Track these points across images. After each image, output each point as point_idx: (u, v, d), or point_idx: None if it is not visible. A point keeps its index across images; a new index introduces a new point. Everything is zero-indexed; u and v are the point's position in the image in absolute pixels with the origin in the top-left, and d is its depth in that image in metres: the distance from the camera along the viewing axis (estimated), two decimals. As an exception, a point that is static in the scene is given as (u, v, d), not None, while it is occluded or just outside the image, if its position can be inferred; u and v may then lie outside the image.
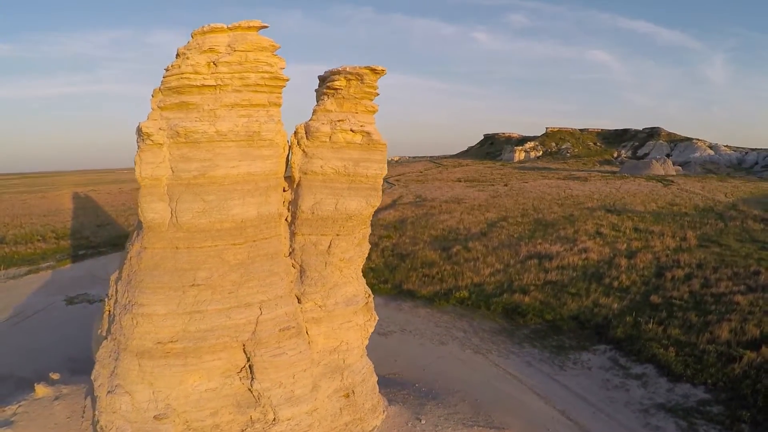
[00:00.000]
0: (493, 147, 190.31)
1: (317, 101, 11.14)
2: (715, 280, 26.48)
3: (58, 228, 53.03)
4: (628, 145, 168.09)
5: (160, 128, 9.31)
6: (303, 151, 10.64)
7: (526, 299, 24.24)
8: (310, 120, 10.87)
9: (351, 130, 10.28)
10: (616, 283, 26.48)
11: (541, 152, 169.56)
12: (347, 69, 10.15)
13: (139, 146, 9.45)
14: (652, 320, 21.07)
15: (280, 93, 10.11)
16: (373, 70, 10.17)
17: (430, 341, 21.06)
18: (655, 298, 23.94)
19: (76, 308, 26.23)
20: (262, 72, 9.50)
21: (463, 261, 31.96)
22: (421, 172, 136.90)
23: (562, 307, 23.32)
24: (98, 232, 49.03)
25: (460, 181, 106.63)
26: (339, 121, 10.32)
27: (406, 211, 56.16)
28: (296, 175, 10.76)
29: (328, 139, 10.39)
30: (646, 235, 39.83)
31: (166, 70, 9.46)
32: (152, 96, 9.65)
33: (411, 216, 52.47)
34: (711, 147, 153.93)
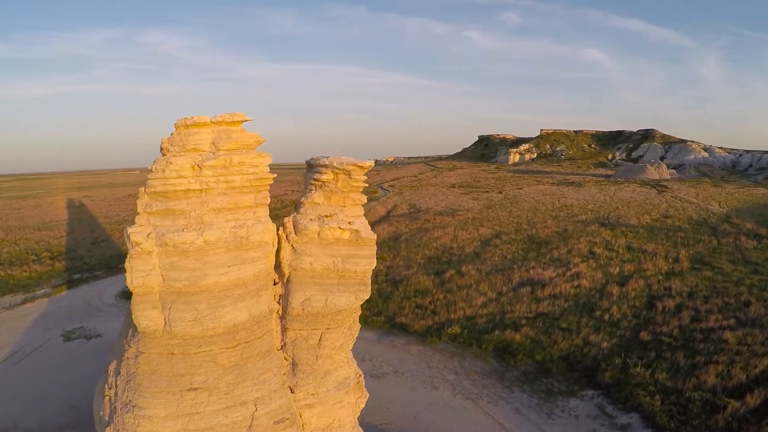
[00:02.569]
0: (487, 149, 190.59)
1: (305, 188, 11.27)
2: (705, 313, 26.78)
3: (53, 245, 53.00)
4: (622, 147, 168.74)
5: (148, 235, 9.41)
6: (292, 246, 10.78)
7: (517, 336, 24.45)
8: (298, 213, 11.00)
9: (339, 228, 10.42)
10: (607, 316, 26.74)
11: (535, 154, 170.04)
12: (334, 163, 10.28)
13: (128, 252, 9.56)
14: (640, 362, 21.32)
15: (267, 191, 10.25)
16: (361, 166, 10.32)
17: (421, 385, 21.25)
18: (644, 335, 24.19)
19: (73, 345, 26.33)
20: (247, 174, 9.63)
21: (456, 288, 32.15)
22: (416, 177, 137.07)
23: (552, 345, 23.55)
24: (93, 251, 49.02)
25: (454, 187, 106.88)
26: (327, 216, 10.45)
27: (401, 226, 56.34)
28: (286, 270, 10.90)
29: (316, 236, 10.53)
30: (639, 255, 40.15)
31: (150, 171, 9.57)
32: (138, 198, 9.77)
33: (405, 232, 52.66)
34: (705, 149, 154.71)
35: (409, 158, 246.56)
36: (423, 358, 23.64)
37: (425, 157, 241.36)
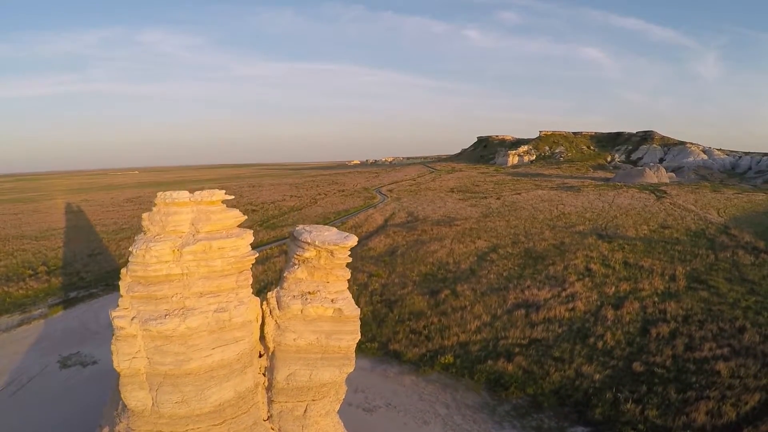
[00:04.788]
0: (486, 150, 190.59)
1: (289, 260, 11.26)
2: (700, 340, 26.78)
3: (50, 257, 53.07)
4: (621, 149, 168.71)
5: (132, 319, 9.42)
6: (276, 322, 10.79)
7: (510, 367, 24.46)
8: (281, 289, 10.99)
9: (322, 306, 10.42)
10: (600, 344, 26.74)
11: (534, 156, 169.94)
12: (316, 242, 10.26)
13: (114, 334, 9.57)
14: (631, 397, 21.33)
15: (249, 271, 10.24)
16: (343, 246, 10.30)
17: (413, 420, 21.26)
18: (637, 366, 24.19)
19: (70, 373, 26.36)
20: (228, 257, 9.62)
21: (450, 311, 32.16)
22: (414, 180, 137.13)
23: (544, 377, 23.54)
24: (89, 265, 49.03)
25: (453, 192, 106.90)
26: (310, 293, 10.46)
27: (398, 238, 56.35)
28: (270, 344, 10.91)
29: (299, 312, 10.53)
30: (636, 272, 40.18)
31: (131, 254, 9.56)
32: (121, 279, 9.75)
33: (402, 244, 52.65)
34: (704, 151, 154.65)
35: (408, 158, 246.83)
36: (415, 390, 23.65)
37: (424, 158, 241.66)
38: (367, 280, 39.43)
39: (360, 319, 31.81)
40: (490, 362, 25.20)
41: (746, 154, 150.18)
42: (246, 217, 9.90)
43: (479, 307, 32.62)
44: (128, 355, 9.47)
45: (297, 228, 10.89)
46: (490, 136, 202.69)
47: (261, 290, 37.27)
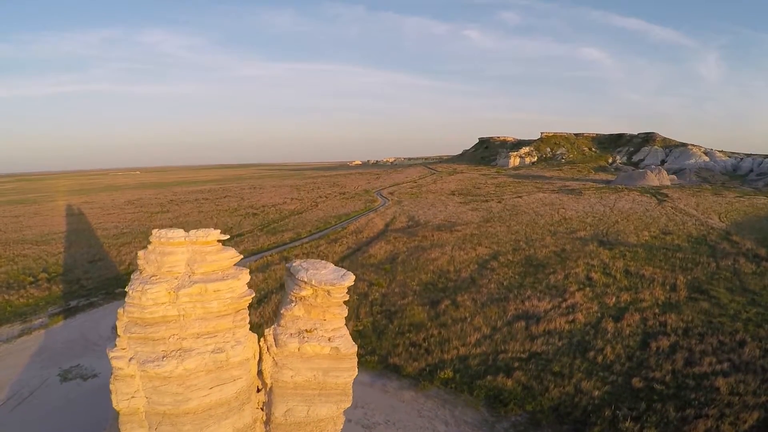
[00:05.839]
0: (488, 151, 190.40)
1: (285, 297, 11.25)
2: (700, 354, 26.74)
3: (50, 263, 53.19)
4: (623, 151, 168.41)
5: (129, 360, 9.42)
6: (273, 359, 10.79)
7: (509, 382, 24.43)
8: (278, 326, 10.99)
9: (319, 344, 10.42)
10: (600, 358, 26.70)
11: (536, 158, 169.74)
12: (313, 281, 10.25)
13: (112, 373, 9.58)
14: (630, 415, 21.30)
15: (246, 310, 10.24)
16: (340, 287, 10.29)
17: (412, 438, 21.27)
18: (636, 381, 24.15)
19: (70, 386, 26.38)
20: (224, 299, 9.62)
21: (450, 322, 32.15)
22: (415, 182, 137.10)
23: (543, 393, 23.51)
24: (90, 272, 49.10)
25: (454, 195, 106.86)
26: (307, 331, 10.45)
27: (398, 244, 56.34)
28: (268, 381, 10.91)
29: (297, 350, 10.53)
30: (637, 281, 40.16)
31: (127, 296, 9.57)
32: (118, 319, 9.76)
33: (403, 251, 52.64)
34: (706, 153, 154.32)
35: (410, 159, 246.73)
36: (414, 406, 23.64)
37: (425, 158, 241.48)
38: (368, 290, 39.43)
39: (360, 331, 31.90)
40: (489, 377, 25.17)
41: (748, 155, 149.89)
42: (242, 256, 9.90)
43: (479, 318, 32.60)
44: (127, 395, 9.48)
45: (293, 264, 10.87)
46: (491, 137, 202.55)
47: (261, 300, 37.34)
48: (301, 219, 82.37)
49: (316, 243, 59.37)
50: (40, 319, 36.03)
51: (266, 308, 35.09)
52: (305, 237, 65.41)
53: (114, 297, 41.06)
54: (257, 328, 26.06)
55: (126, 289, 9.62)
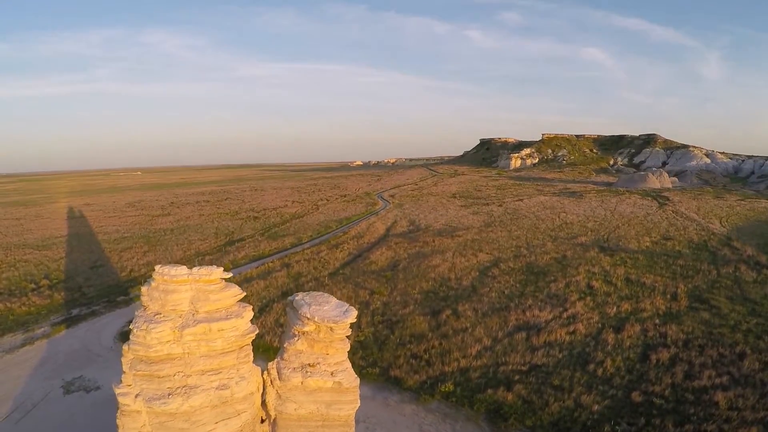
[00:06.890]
0: (489, 152, 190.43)
1: (288, 331, 11.38)
2: (699, 367, 26.82)
3: (52, 269, 53.41)
4: (624, 152, 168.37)
5: (135, 396, 9.56)
6: (276, 392, 10.91)
7: (510, 396, 24.53)
8: (281, 360, 11.11)
9: (322, 379, 10.54)
10: (600, 371, 26.80)
11: (537, 159, 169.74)
12: (316, 318, 10.38)
13: (118, 409, 9.71)
14: (629, 430, 21.41)
15: (249, 346, 10.37)
16: (343, 323, 10.42)
17: (413, 453, 21.39)
18: (636, 396, 24.24)
19: (73, 399, 26.50)
20: (228, 337, 9.74)
21: (451, 333, 32.27)
22: (416, 184, 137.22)
23: (543, 408, 23.60)
24: (91, 278, 49.29)
25: (455, 198, 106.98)
26: (310, 366, 10.58)
27: (399, 250, 56.48)
28: (272, 413, 11.04)
29: (300, 384, 10.66)
30: (637, 289, 40.26)
31: (132, 333, 9.69)
32: (123, 355, 9.89)
33: (404, 257, 52.78)
34: (707, 155, 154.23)
35: (411, 160, 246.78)
36: (416, 420, 23.76)
37: (426, 159, 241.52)
38: (369, 298, 39.57)
39: (361, 341, 31.96)
40: (490, 391, 25.26)
41: (749, 157, 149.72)
42: (245, 293, 10.01)
43: (480, 329, 32.70)
44: (134, 430, 9.61)
45: (296, 298, 11.00)
46: (492, 139, 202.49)
47: (263, 308, 37.52)
48: (302, 223, 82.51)
49: (317, 248, 59.51)
50: (42, 329, 36.19)
51: (267, 318, 35.25)
52: (306, 242, 65.56)
53: (116, 305, 41.24)
54: (258, 338, 26.17)
55: (131, 327, 9.74)
